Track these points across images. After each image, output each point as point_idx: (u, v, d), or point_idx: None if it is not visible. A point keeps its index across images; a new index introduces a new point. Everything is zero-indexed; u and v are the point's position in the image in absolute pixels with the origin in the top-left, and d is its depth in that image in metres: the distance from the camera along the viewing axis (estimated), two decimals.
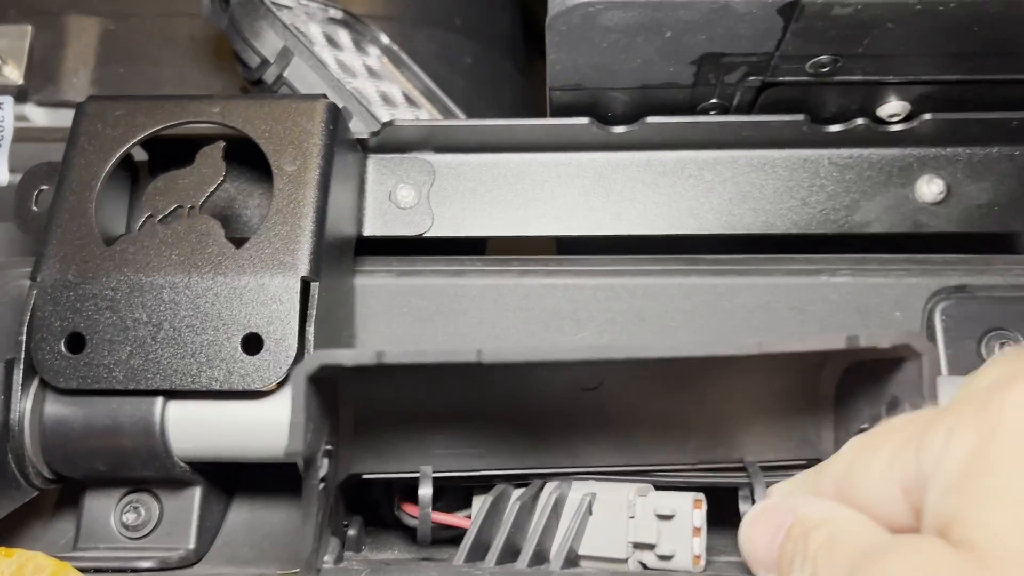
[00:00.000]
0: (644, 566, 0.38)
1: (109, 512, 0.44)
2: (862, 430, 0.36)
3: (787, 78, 0.45)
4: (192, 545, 0.44)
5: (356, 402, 0.38)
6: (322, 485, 0.34)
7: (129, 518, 0.44)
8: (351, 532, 0.43)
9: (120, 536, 0.44)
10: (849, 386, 0.38)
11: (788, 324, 0.48)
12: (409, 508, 0.43)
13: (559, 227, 0.51)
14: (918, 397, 0.32)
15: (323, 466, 0.34)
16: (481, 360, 0.32)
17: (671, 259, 0.51)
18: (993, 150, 0.50)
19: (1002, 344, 0.48)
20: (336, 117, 0.46)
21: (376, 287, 0.50)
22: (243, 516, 0.47)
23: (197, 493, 0.44)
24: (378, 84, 0.62)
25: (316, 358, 0.31)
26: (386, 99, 0.61)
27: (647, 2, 0.39)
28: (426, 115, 0.66)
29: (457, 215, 0.51)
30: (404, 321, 0.49)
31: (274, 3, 0.56)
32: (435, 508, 0.41)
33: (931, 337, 0.49)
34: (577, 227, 0.51)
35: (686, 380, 0.38)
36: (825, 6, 0.39)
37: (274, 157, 0.44)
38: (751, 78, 0.45)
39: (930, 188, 0.50)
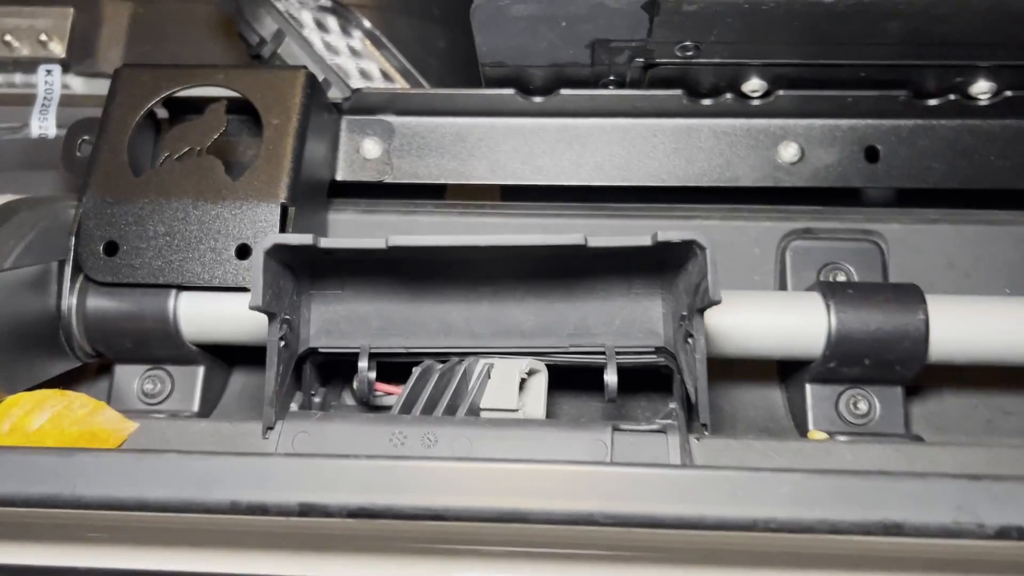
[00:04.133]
0: None
1: (133, 381, 0.57)
2: (683, 317, 0.49)
3: (663, 60, 0.58)
4: (196, 408, 0.57)
5: (314, 294, 0.52)
6: (282, 343, 0.47)
7: (148, 387, 0.57)
8: (317, 399, 0.56)
9: (140, 401, 0.57)
10: (676, 286, 0.51)
11: None
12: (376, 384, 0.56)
13: (493, 177, 0.64)
14: (705, 280, 0.45)
15: (282, 330, 0.47)
16: (389, 245, 0.45)
17: (583, 206, 0.64)
18: (840, 122, 0.63)
19: (835, 274, 0.60)
20: (313, 83, 0.59)
21: (346, 220, 0.64)
22: (239, 386, 0.60)
23: (201, 370, 0.58)
24: (358, 62, 0.75)
25: (271, 239, 0.44)
26: (364, 74, 0.74)
27: (543, 1, 0.52)
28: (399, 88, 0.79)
29: (412, 166, 0.65)
30: None
31: None
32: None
33: (782, 269, 0.61)
34: (507, 178, 0.64)
35: (560, 282, 0.51)
36: (676, 3, 0.51)
37: (264, 113, 0.57)
38: (636, 60, 0.58)
39: (788, 151, 0.63)
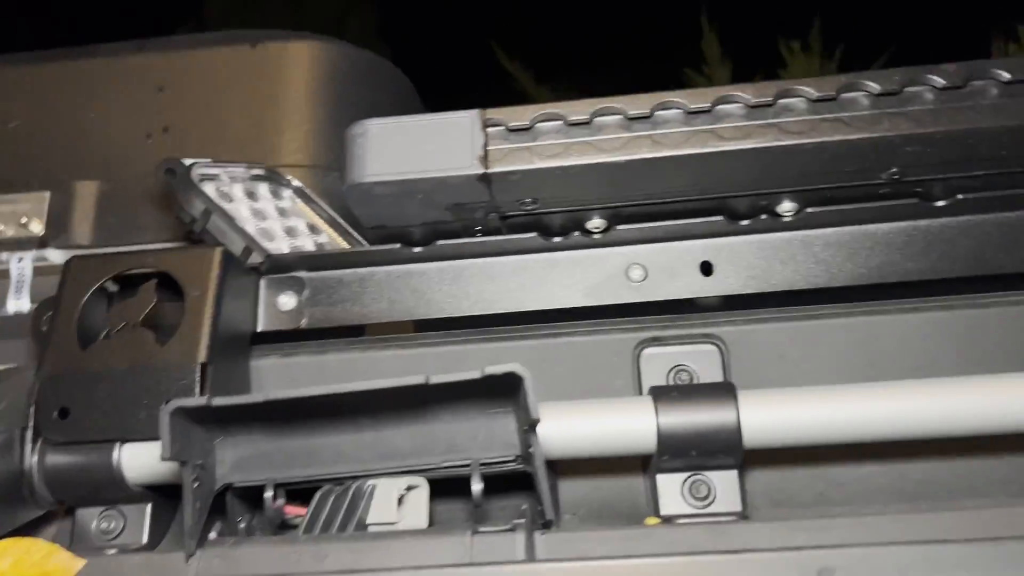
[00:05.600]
0: None
1: (91, 522, 0.68)
2: (525, 431, 0.60)
3: (513, 212, 0.69)
4: (145, 541, 0.68)
5: (225, 439, 0.62)
6: (196, 483, 0.58)
7: (104, 525, 0.68)
8: (242, 525, 0.66)
9: (98, 538, 0.68)
10: (520, 405, 0.61)
11: (539, 374, 0.71)
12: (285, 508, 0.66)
13: (392, 315, 0.76)
14: (526, 404, 0.55)
15: (195, 472, 0.58)
16: (267, 399, 0.56)
17: (474, 333, 0.75)
18: (675, 244, 0.74)
19: (679, 373, 0.70)
20: (228, 259, 0.71)
21: (268, 365, 0.75)
22: None
23: (149, 507, 0.68)
24: (285, 221, 0.88)
25: (174, 403, 0.56)
26: (289, 232, 0.87)
27: (399, 180, 0.64)
28: (326, 238, 0.91)
29: (323, 312, 0.76)
30: (287, 387, 0.73)
31: (203, 175, 0.83)
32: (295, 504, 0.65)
33: (638, 373, 0.72)
34: (404, 315, 0.76)
35: (430, 408, 0.62)
36: (502, 175, 0.63)
37: (186, 287, 0.69)
38: (491, 214, 0.70)
39: (634, 273, 0.74)
